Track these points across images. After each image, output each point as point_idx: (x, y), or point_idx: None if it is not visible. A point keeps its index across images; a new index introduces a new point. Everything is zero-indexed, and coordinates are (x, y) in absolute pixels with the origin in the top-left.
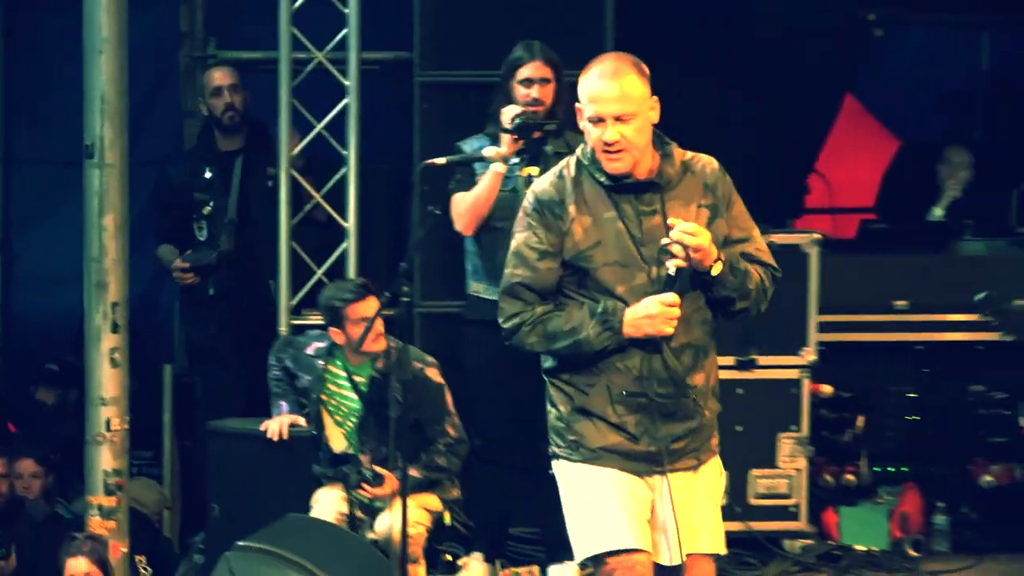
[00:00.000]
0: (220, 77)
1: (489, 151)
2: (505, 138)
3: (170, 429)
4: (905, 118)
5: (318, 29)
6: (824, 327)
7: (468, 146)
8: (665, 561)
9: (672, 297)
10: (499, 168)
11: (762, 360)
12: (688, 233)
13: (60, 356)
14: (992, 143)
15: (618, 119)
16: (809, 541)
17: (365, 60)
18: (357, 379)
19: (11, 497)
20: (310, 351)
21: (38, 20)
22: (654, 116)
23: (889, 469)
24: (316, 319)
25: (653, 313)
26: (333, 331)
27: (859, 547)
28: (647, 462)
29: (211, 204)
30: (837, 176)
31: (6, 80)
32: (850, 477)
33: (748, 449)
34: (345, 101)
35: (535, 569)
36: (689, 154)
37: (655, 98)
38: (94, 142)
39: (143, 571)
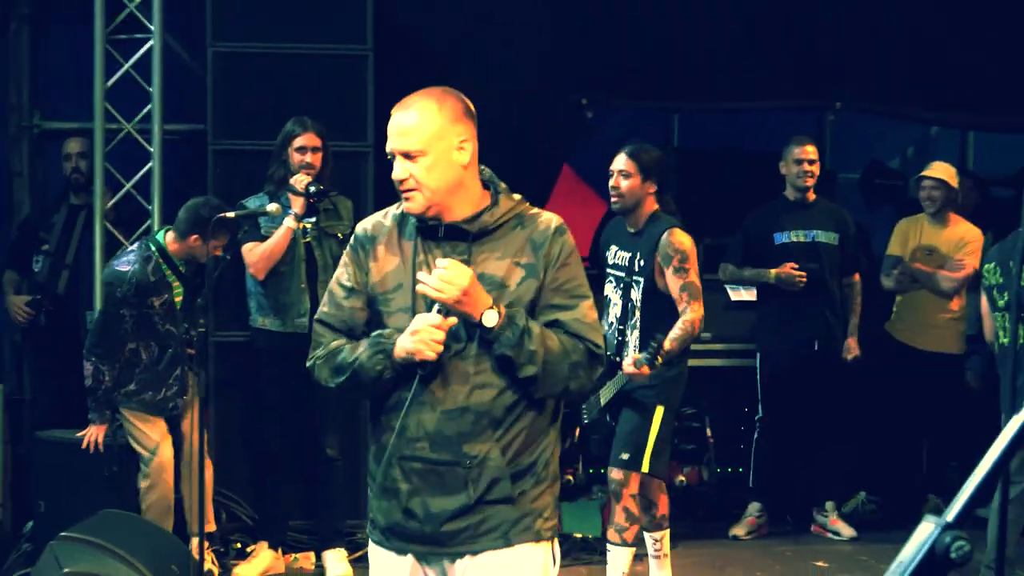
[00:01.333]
0: (71, 146)
1: (271, 207)
2: (297, 199)
3: (1, 438)
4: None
5: (127, 104)
6: None
7: (251, 203)
8: None
9: (438, 318)
10: (291, 224)
11: None
12: (444, 271)
13: None
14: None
15: (405, 155)
16: None
17: (167, 131)
18: (181, 269)
19: None
20: (151, 276)
21: None
22: (462, 157)
23: (601, 471)
24: None
25: (416, 328)
26: (195, 238)
27: (577, 534)
28: (425, 542)
29: (49, 244)
30: None
31: None
32: (569, 477)
33: None
34: (150, 164)
35: (311, 555)
36: (534, 210)
37: (466, 139)
38: None
39: None
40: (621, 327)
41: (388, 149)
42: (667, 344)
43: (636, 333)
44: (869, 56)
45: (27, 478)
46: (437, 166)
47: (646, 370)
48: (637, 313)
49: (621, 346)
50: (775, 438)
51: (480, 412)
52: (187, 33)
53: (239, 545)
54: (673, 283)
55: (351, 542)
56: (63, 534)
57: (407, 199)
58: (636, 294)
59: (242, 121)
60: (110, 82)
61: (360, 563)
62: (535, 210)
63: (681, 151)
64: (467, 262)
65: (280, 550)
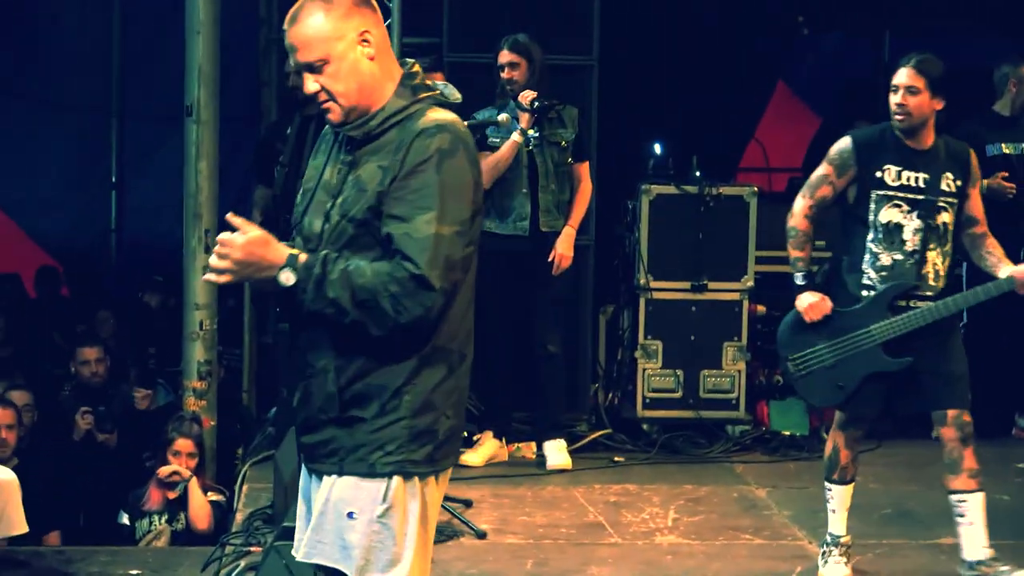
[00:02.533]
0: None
1: (501, 117)
2: (524, 115)
3: (249, 329)
4: (824, 100)
5: None
6: (760, 260)
7: (481, 114)
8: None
9: (226, 235)
10: (517, 138)
11: (712, 284)
12: (217, 246)
13: (163, 270)
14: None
15: (309, 68)
16: (746, 427)
17: (404, 43)
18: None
19: (108, 380)
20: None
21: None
22: (367, 50)
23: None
24: None
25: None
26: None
27: (785, 432)
28: (300, 447)
29: (284, 155)
30: (771, 144)
31: (122, 52)
32: (779, 378)
33: (700, 354)
34: None
35: (533, 444)
36: (433, 110)
37: (365, 30)
38: (192, 103)
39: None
40: (922, 252)
41: (291, 66)
42: None
43: (946, 260)
44: None
45: (270, 366)
46: (343, 70)
47: None
48: (950, 238)
49: (919, 273)
50: (980, 344)
51: (321, 326)
52: None
53: (466, 434)
54: (979, 203)
55: (570, 433)
56: None
57: (327, 111)
58: (949, 217)
59: (474, 35)
60: None
61: (578, 453)
62: (433, 110)
63: (890, 69)
64: (353, 164)
65: (504, 439)
